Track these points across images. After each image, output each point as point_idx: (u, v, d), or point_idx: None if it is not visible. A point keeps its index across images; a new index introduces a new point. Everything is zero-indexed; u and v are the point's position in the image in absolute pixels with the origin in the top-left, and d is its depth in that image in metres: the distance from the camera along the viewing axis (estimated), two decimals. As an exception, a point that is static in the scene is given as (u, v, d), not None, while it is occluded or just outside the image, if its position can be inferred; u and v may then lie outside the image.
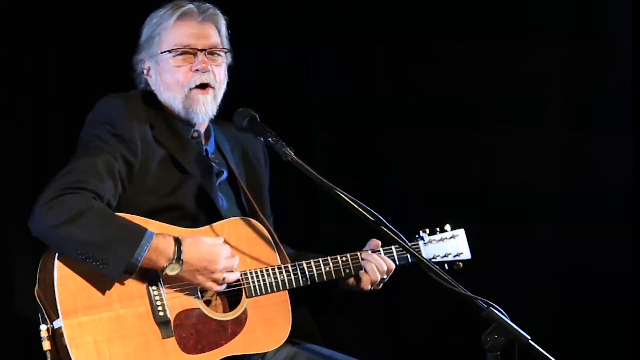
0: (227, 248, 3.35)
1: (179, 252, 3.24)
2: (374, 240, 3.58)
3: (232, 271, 3.36)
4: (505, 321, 2.83)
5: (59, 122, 4.34)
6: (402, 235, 3.13)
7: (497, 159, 4.83)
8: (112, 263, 3.18)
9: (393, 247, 3.60)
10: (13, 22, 4.27)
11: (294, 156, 3.31)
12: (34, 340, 3.45)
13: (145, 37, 3.55)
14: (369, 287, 3.56)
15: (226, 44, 3.57)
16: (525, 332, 2.83)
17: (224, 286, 3.37)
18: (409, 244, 3.19)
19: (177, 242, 3.25)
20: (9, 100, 4.27)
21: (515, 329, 2.83)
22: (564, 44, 4.83)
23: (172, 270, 3.25)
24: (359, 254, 3.56)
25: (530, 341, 2.81)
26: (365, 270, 3.54)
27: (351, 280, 3.57)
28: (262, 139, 3.39)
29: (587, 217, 4.80)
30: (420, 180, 4.77)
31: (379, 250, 3.59)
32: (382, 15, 4.81)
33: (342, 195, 3.18)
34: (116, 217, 3.24)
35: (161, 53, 3.50)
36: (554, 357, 2.78)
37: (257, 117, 3.43)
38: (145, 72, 3.56)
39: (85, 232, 3.17)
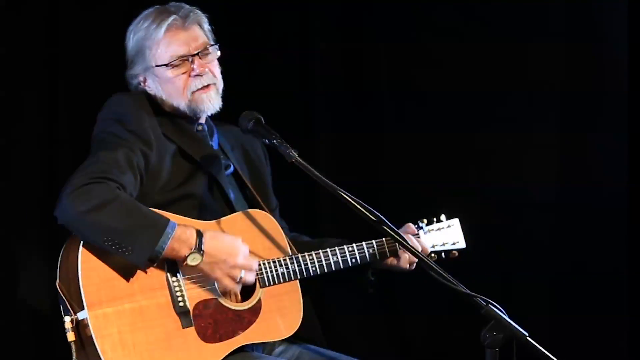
0: (246, 247, 3.33)
1: (200, 242, 3.23)
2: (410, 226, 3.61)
3: (250, 271, 3.34)
4: (504, 318, 2.83)
5: (68, 121, 4.32)
6: (404, 236, 3.14)
7: (496, 159, 4.81)
8: (137, 250, 3.17)
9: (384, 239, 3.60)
10: (23, 21, 4.23)
11: (298, 158, 3.29)
12: (48, 335, 3.50)
13: (134, 51, 3.51)
14: (408, 266, 3.61)
15: (212, 38, 3.55)
16: (523, 330, 2.83)
17: (239, 286, 3.35)
18: (409, 244, 3.18)
19: (199, 233, 3.24)
20: (19, 99, 4.24)
21: (514, 326, 2.83)
22: (560, 46, 4.79)
23: (193, 260, 3.24)
24: (364, 243, 3.56)
25: (528, 338, 2.81)
26: (404, 251, 3.57)
27: (392, 260, 3.60)
28: (267, 141, 3.38)
29: (583, 217, 4.78)
30: (421, 180, 4.76)
31: (418, 234, 3.63)
32: (384, 17, 4.76)
33: (345, 196, 3.18)
34: (141, 207, 3.23)
35: (157, 66, 3.47)
36: (551, 354, 2.79)
37: (262, 119, 3.41)
38: (142, 84, 3.54)
39: (112, 219, 3.16)
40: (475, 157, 4.81)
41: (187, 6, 3.52)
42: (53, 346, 4.01)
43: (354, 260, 3.55)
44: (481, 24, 4.77)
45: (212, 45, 3.53)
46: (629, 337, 4.77)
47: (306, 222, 4.31)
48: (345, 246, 3.55)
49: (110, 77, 4.24)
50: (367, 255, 3.57)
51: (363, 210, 3.14)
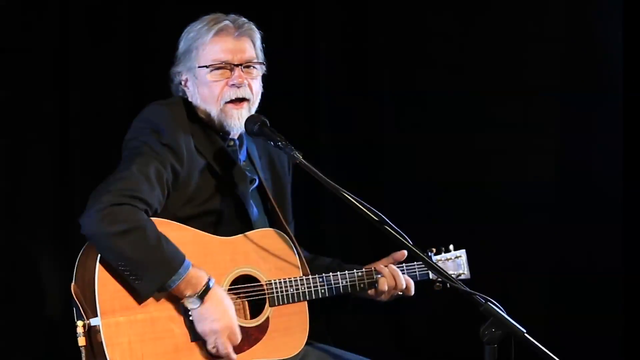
0: (240, 335, 3.27)
1: (206, 291, 3.21)
2: (399, 253, 3.54)
3: (225, 353, 3.26)
4: (502, 315, 2.80)
5: (80, 122, 4.33)
6: (405, 236, 3.09)
7: (495, 160, 4.80)
8: (146, 282, 3.16)
9: (415, 263, 3.57)
10: (34, 27, 4.25)
11: (302, 159, 3.28)
12: (60, 337, 3.44)
13: (182, 50, 3.49)
14: (379, 298, 3.55)
15: (261, 57, 3.51)
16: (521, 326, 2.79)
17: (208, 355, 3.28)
18: (411, 243, 3.13)
19: (208, 282, 3.22)
20: (32, 100, 4.25)
21: (512, 323, 2.79)
22: (557, 50, 4.82)
23: (190, 304, 3.21)
24: (373, 268, 3.54)
25: (526, 334, 2.77)
26: (377, 283, 3.52)
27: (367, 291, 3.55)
28: (272, 143, 3.36)
29: (578, 216, 4.75)
30: (422, 181, 4.75)
31: (402, 267, 3.55)
32: (387, 20, 4.80)
33: (348, 197, 3.16)
34: (162, 241, 3.19)
35: (199, 67, 3.44)
36: (549, 350, 2.74)
37: (267, 122, 3.39)
38: (183, 83, 3.50)
39: (131, 248, 3.14)
40: (474, 157, 4.80)
41: (245, 19, 3.50)
42: (63, 348, 3.95)
43: (362, 285, 3.51)
44: (481, 27, 4.81)
45: (258, 62, 3.49)
46: (624, 336, 4.69)
47: (311, 223, 4.29)
48: (355, 271, 3.51)
49: (122, 78, 4.35)
50: (375, 282, 3.53)
51: (366, 210, 3.12)
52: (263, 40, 3.53)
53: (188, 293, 3.20)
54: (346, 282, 3.49)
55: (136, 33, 4.43)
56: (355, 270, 3.52)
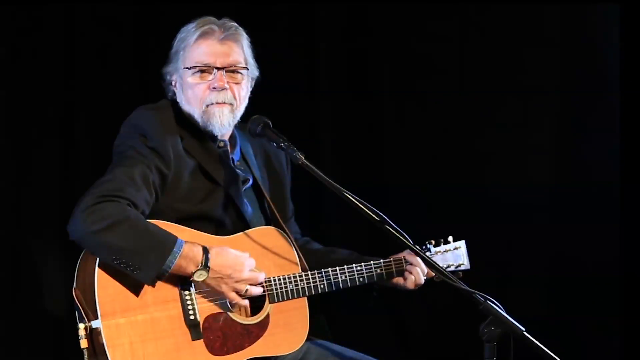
0: (252, 261, 3.29)
1: (207, 259, 3.19)
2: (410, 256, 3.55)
3: (256, 284, 3.29)
4: (501, 314, 2.80)
5: (86, 124, 4.32)
6: (406, 235, 3.08)
7: (494, 160, 4.78)
8: (145, 269, 3.14)
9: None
10: (40, 27, 4.24)
11: (304, 160, 3.26)
12: (65, 337, 3.44)
13: (173, 50, 3.46)
14: (413, 287, 3.56)
15: (250, 62, 3.46)
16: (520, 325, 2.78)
17: (247, 301, 3.30)
18: (412, 243, 3.12)
19: (205, 250, 3.20)
20: (37, 101, 4.24)
21: (511, 321, 2.78)
22: (555, 53, 4.78)
23: (199, 277, 3.20)
24: (372, 263, 3.52)
25: (525, 332, 2.76)
26: (410, 272, 3.54)
27: (398, 280, 3.56)
28: (274, 144, 3.34)
29: (577, 216, 4.71)
30: (423, 181, 4.72)
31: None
32: (387, 21, 4.76)
33: (350, 197, 3.14)
34: (150, 226, 3.18)
35: (183, 68, 3.41)
36: (547, 348, 2.72)
37: (270, 123, 3.36)
38: (173, 83, 3.48)
39: (121, 239, 3.12)
40: (473, 157, 4.78)
41: (234, 23, 3.45)
42: (67, 350, 3.95)
43: (361, 279, 3.49)
44: (480, 28, 4.78)
45: (243, 67, 3.44)
46: (622, 335, 4.68)
47: (312, 223, 4.26)
48: (354, 265, 3.49)
49: (126, 81, 4.33)
50: (375, 275, 3.52)
51: (367, 210, 3.10)
52: (256, 47, 3.48)
53: (191, 269, 3.19)
54: (345, 276, 3.47)
55: (142, 32, 4.42)
56: (354, 265, 3.50)
